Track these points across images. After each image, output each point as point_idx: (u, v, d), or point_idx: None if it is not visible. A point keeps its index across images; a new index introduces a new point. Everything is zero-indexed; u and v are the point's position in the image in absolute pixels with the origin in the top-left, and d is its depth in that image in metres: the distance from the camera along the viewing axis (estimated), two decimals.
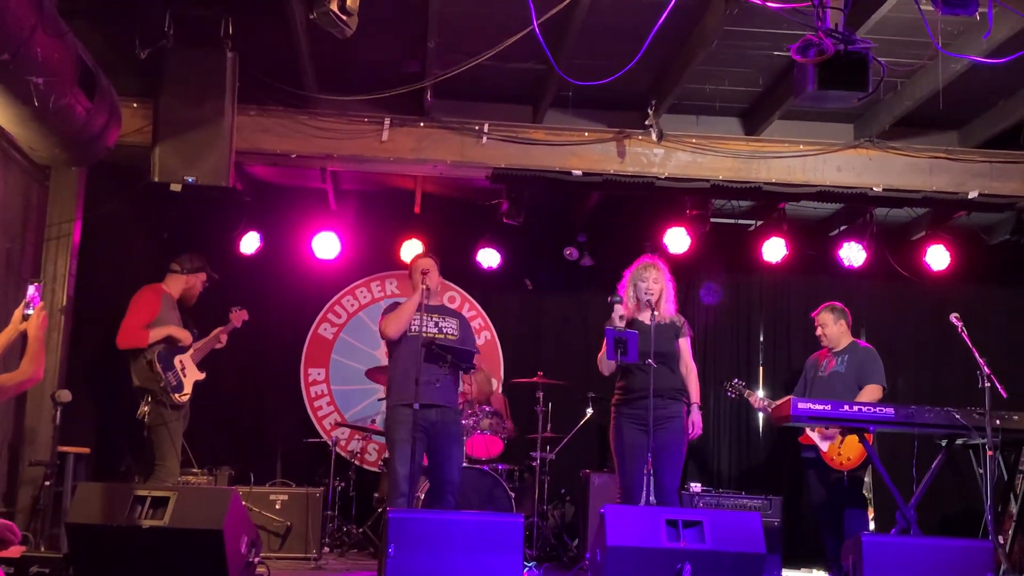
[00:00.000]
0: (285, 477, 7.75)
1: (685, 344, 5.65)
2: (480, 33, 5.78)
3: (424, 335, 5.51)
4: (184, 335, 6.36)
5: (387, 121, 6.74)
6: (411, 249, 7.92)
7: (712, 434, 8.66)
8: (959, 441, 5.93)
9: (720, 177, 7.03)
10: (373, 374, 7.78)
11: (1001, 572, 5.26)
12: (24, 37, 4.46)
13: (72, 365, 6.61)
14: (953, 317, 5.89)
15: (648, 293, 5.55)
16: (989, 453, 5.52)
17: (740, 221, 8.64)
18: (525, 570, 6.23)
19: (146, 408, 6.12)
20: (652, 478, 5.35)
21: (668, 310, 5.63)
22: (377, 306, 8.35)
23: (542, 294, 8.95)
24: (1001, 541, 6.65)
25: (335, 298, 8.81)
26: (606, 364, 5.53)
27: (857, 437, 5.96)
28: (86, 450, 6.64)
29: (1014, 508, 6.96)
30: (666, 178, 7.02)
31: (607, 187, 7.21)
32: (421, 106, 6.75)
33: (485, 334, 8.89)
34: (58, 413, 5.89)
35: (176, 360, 6.31)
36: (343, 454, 8.00)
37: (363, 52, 6.15)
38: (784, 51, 5.60)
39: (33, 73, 4.69)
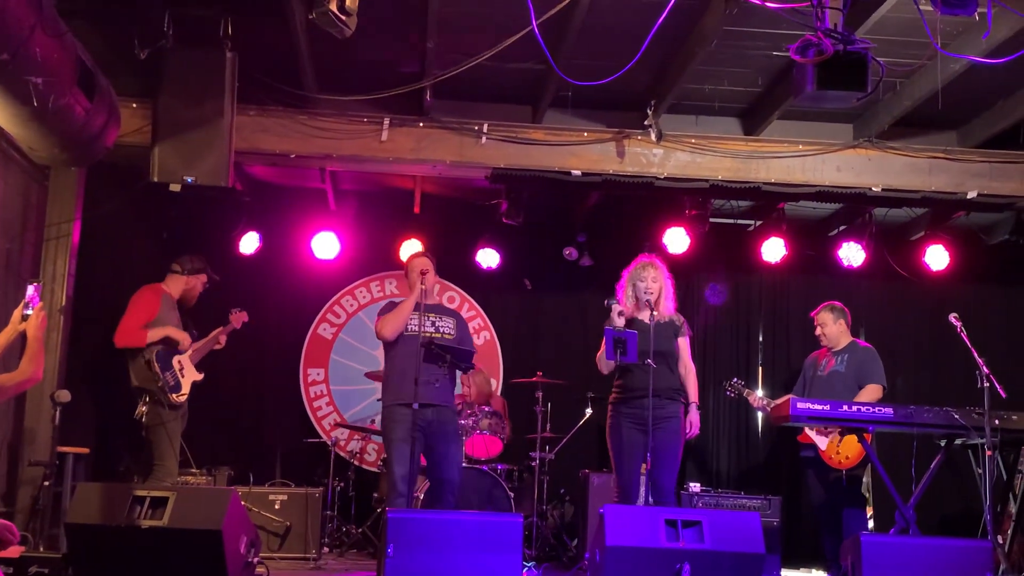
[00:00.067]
0: (284, 477, 7.75)
1: (684, 344, 5.66)
2: (479, 33, 5.78)
3: (422, 335, 5.51)
4: (182, 337, 6.36)
5: (386, 121, 6.74)
6: (410, 249, 7.91)
7: (711, 434, 8.66)
8: (958, 441, 5.94)
9: (719, 177, 7.03)
10: (374, 375, 7.78)
11: (1000, 572, 5.26)
12: (23, 37, 4.46)
13: (71, 365, 6.61)
14: (952, 317, 5.89)
15: (647, 292, 5.56)
16: (988, 453, 5.52)
17: (739, 221, 8.64)
18: (524, 570, 6.24)
19: (144, 408, 6.12)
20: (649, 478, 5.37)
21: (667, 309, 5.64)
22: (377, 306, 8.35)
23: (541, 294, 8.95)
24: (1000, 541, 6.65)
25: (334, 298, 8.81)
26: (605, 364, 5.54)
27: (856, 437, 5.96)
28: (85, 450, 6.64)
29: (1013, 508, 6.96)
30: (665, 178, 7.02)
31: (606, 187, 7.21)
32: (420, 106, 6.75)
33: (484, 334, 8.90)
34: (57, 413, 5.89)
35: (174, 360, 6.31)
36: (342, 454, 8.00)
37: (362, 52, 6.15)
38: (783, 51, 5.60)
39: (32, 73, 4.69)
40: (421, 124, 6.83)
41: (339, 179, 8.00)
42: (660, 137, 6.73)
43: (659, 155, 6.99)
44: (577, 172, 6.97)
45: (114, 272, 7.44)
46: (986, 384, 5.59)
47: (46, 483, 5.84)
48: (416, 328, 5.56)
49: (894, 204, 7.54)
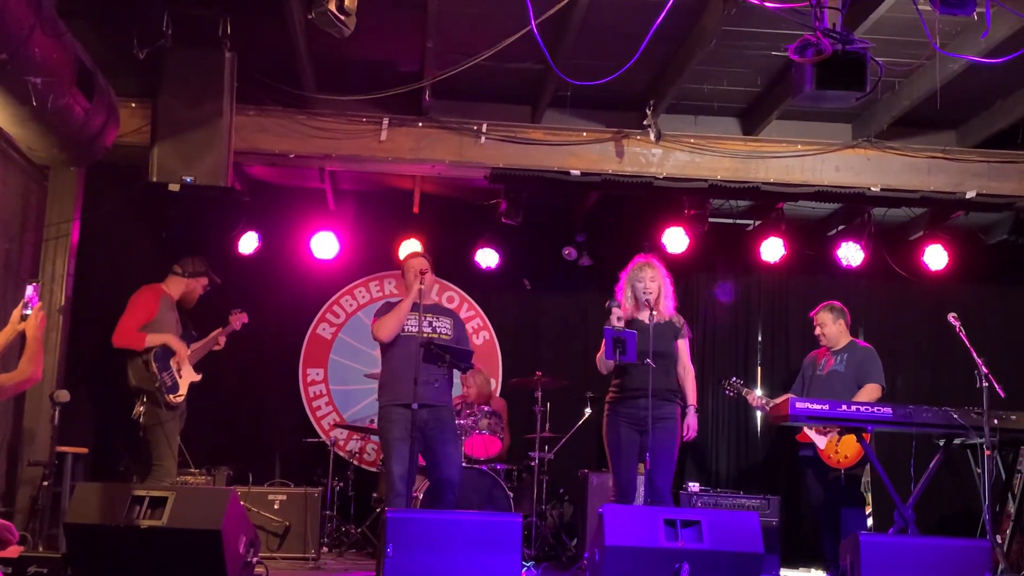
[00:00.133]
0: (283, 477, 7.74)
1: (684, 345, 5.66)
2: (478, 33, 5.78)
3: (421, 335, 5.50)
4: (179, 347, 6.34)
5: (385, 121, 6.74)
6: (409, 249, 7.90)
7: (710, 433, 8.66)
8: (957, 441, 5.94)
9: (718, 177, 7.04)
10: (373, 376, 7.77)
11: (999, 572, 5.27)
12: (23, 37, 4.46)
13: (71, 365, 6.61)
14: (951, 317, 5.89)
15: (646, 292, 5.56)
16: (987, 453, 5.52)
17: (738, 221, 8.64)
18: (523, 570, 6.24)
19: (141, 408, 6.12)
20: (645, 478, 5.37)
21: (667, 308, 5.64)
22: (376, 306, 8.35)
23: (540, 294, 8.95)
24: (999, 540, 6.66)
25: (334, 298, 8.81)
26: (604, 364, 5.54)
27: (855, 437, 5.96)
28: (84, 450, 6.64)
29: (1012, 508, 6.96)
30: (664, 178, 7.02)
31: (605, 187, 7.22)
32: (419, 106, 6.75)
33: (484, 334, 8.90)
34: (56, 413, 5.88)
35: (172, 361, 6.30)
36: (342, 454, 8.00)
37: (361, 52, 6.15)
38: (782, 51, 5.59)
39: (31, 73, 4.69)
40: (420, 124, 6.83)
41: (338, 179, 8.00)
42: (659, 137, 6.73)
43: (658, 155, 6.99)
44: (576, 172, 6.97)
45: (113, 272, 7.44)
46: (985, 384, 5.59)
47: (45, 483, 5.84)
48: (413, 329, 5.56)
49: (893, 204, 7.54)
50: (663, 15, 4.84)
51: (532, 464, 7.33)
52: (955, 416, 5.62)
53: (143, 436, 6.17)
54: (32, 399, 6.22)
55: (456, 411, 6.98)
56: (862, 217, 8.07)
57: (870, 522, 7.72)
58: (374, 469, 7.96)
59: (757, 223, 8.61)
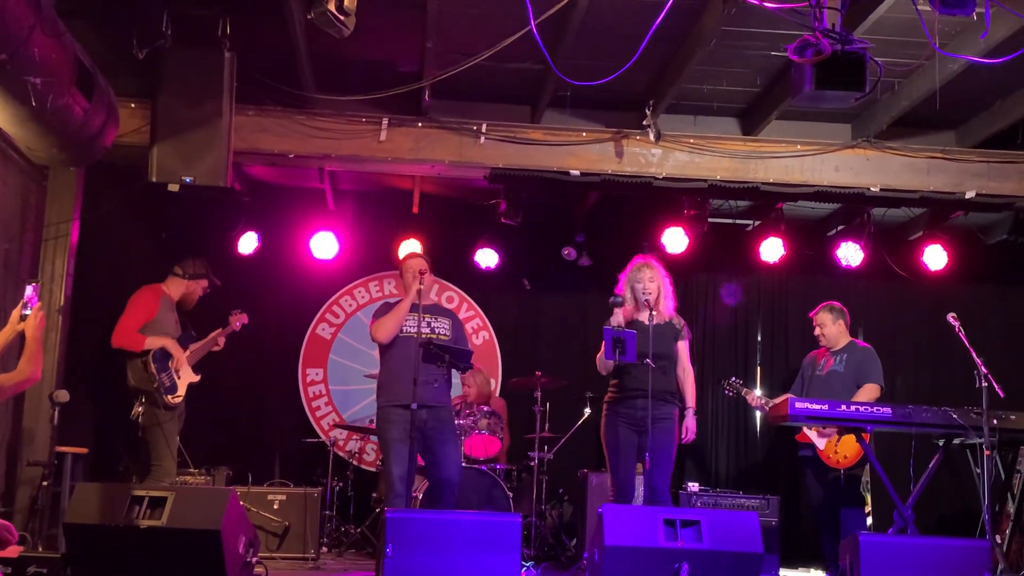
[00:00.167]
0: (283, 477, 7.74)
1: (684, 347, 5.66)
2: (478, 33, 5.78)
3: (420, 336, 5.50)
4: (177, 352, 6.33)
5: (385, 121, 6.75)
6: (408, 249, 7.91)
7: (710, 433, 8.67)
8: (956, 441, 5.94)
9: (718, 177, 7.04)
10: (373, 376, 7.77)
11: (998, 572, 5.27)
12: (22, 37, 4.46)
13: (70, 365, 6.61)
14: (950, 317, 5.89)
15: (646, 293, 5.56)
16: (987, 453, 5.52)
17: (738, 221, 8.64)
18: (523, 570, 6.24)
19: (140, 409, 6.12)
20: (643, 478, 5.37)
21: (667, 308, 5.64)
22: (375, 306, 8.36)
23: (540, 294, 8.95)
24: (998, 540, 6.66)
25: (333, 298, 8.82)
26: (604, 364, 5.54)
27: (854, 437, 5.96)
28: (84, 450, 6.64)
29: (1011, 507, 6.97)
30: (664, 178, 7.02)
31: (605, 187, 7.22)
32: (419, 106, 6.75)
33: (483, 334, 8.90)
34: (56, 413, 5.88)
35: (171, 362, 6.30)
36: (341, 454, 8.00)
37: (361, 52, 6.15)
38: (782, 51, 5.59)
39: (31, 73, 4.69)
40: (420, 124, 6.83)
41: (338, 179, 8.00)
42: (659, 137, 6.73)
43: (657, 155, 6.99)
44: (576, 172, 6.97)
45: (113, 272, 7.44)
46: (984, 384, 5.59)
47: (45, 483, 5.84)
48: (412, 329, 5.55)
49: (892, 204, 7.54)
50: (663, 15, 4.84)
51: (531, 464, 7.33)
52: (954, 416, 5.62)
53: (142, 436, 6.17)
54: (31, 399, 6.22)
55: (456, 411, 6.99)
56: (861, 217, 8.07)
57: (869, 521, 7.72)
58: (373, 469, 7.96)
59: (757, 223, 8.61)
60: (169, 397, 6.19)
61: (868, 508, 7.80)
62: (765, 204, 7.98)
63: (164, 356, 6.26)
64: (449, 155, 6.86)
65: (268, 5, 5.44)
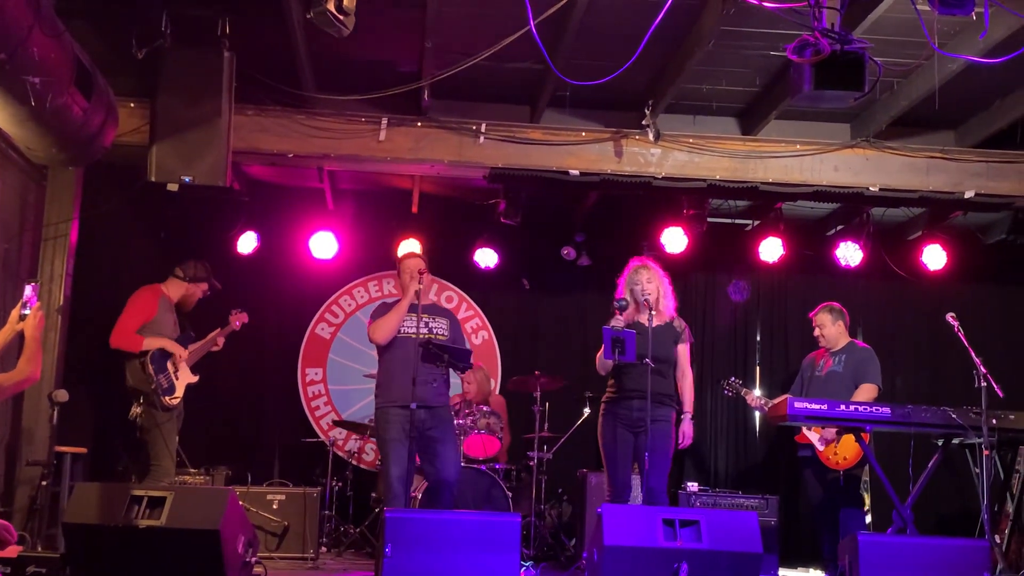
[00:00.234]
0: (282, 477, 7.74)
1: (684, 350, 5.65)
2: (477, 33, 5.78)
3: (418, 336, 5.49)
4: (177, 351, 6.33)
5: (384, 121, 6.75)
6: (406, 249, 7.90)
7: (709, 433, 8.67)
8: (956, 441, 5.94)
9: (717, 177, 7.04)
10: (372, 376, 7.77)
11: (998, 571, 5.27)
12: (21, 37, 4.46)
13: (69, 365, 6.61)
14: (949, 317, 5.89)
15: (645, 293, 5.56)
16: (985, 453, 5.52)
17: (737, 221, 8.65)
18: (522, 570, 6.24)
19: (138, 409, 6.12)
20: (640, 478, 5.36)
21: (668, 308, 5.65)
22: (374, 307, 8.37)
23: (539, 294, 8.95)
24: (997, 540, 6.66)
25: (332, 298, 8.82)
26: (603, 364, 5.54)
27: (853, 437, 5.96)
28: (83, 450, 6.64)
29: (1010, 507, 6.97)
30: (663, 178, 7.02)
31: (604, 187, 7.22)
32: (418, 106, 6.75)
33: (483, 334, 8.90)
34: (55, 413, 5.88)
35: (169, 363, 6.29)
36: (340, 454, 7.99)
37: (360, 52, 6.16)
38: (781, 51, 5.60)
39: (30, 73, 4.69)
40: (419, 124, 6.83)
41: (337, 179, 8.00)
42: (658, 137, 6.73)
43: (657, 155, 6.99)
44: (575, 172, 6.97)
45: (112, 272, 7.44)
46: (983, 383, 5.60)
47: (44, 483, 5.84)
48: (411, 330, 5.54)
49: (892, 204, 7.54)
50: (662, 15, 4.84)
51: (531, 464, 7.33)
52: (953, 416, 5.62)
53: (140, 437, 6.17)
54: (31, 399, 6.22)
55: (455, 411, 6.98)
56: (861, 217, 8.07)
57: (868, 519, 7.72)
58: (373, 469, 7.97)
59: (756, 223, 8.61)
60: (167, 398, 6.19)
61: (867, 508, 7.80)
62: (764, 204, 7.99)
63: (162, 357, 6.26)
64: (448, 155, 6.86)
65: (267, 5, 5.44)
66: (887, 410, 5.63)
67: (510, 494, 6.98)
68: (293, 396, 8.61)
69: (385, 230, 8.46)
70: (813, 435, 6.49)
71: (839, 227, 8.57)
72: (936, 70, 5.82)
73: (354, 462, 8.14)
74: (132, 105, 6.34)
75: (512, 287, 8.89)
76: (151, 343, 6.21)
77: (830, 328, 6.74)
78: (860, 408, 5.67)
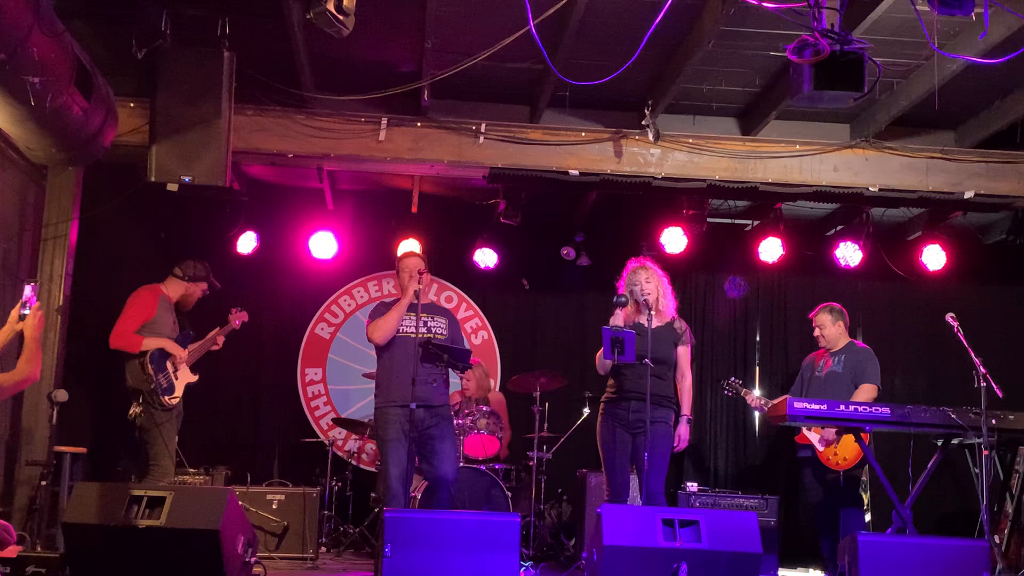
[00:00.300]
0: (282, 477, 7.74)
1: (685, 352, 5.64)
2: (477, 33, 5.78)
3: (417, 336, 5.49)
4: (177, 351, 6.33)
5: (384, 121, 6.75)
6: (405, 249, 7.89)
7: (709, 433, 8.67)
8: (955, 441, 5.93)
9: (717, 177, 7.04)
10: (371, 375, 7.77)
11: (997, 571, 5.27)
12: (21, 37, 4.46)
13: (69, 365, 6.60)
14: (949, 317, 5.89)
15: (644, 294, 5.56)
16: (985, 453, 5.52)
17: (737, 221, 8.65)
18: (522, 570, 6.23)
19: (138, 409, 6.11)
20: (638, 479, 5.36)
21: (667, 308, 5.64)
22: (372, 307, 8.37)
23: (539, 294, 8.95)
24: (997, 540, 6.66)
25: (332, 298, 8.82)
26: (603, 364, 5.54)
27: (853, 437, 5.96)
28: (83, 450, 6.63)
29: (1010, 507, 6.97)
30: (663, 178, 7.03)
31: (604, 187, 7.22)
32: (418, 106, 6.75)
33: (482, 334, 8.90)
34: (55, 413, 5.87)
35: (169, 362, 6.29)
36: (340, 454, 7.99)
37: (360, 52, 6.16)
38: (780, 51, 5.60)
39: (30, 72, 4.69)
40: (419, 124, 6.83)
41: (337, 179, 8.00)
42: (657, 137, 6.73)
43: (656, 155, 6.99)
44: (575, 172, 6.98)
45: (111, 272, 7.44)
46: (983, 384, 5.60)
47: (43, 483, 5.83)
48: (410, 330, 5.54)
49: (891, 204, 7.55)
50: (662, 15, 4.84)
51: (530, 464, 7.33)
52: (953, 416, 5.61)
53: (140, 437, 6.17)
54: (30, 399, 6.22)
55: (455, 410, 6.98)
56: (860, 217, 8.07)
57: (868, 518, 7.72)
58: (372, 469, 7.97)
59: (755, 223, 8.61)
60: (166, 398, 6.18)
61: (867, 508, 7.80)
62: (764, 204, 7.99)
63: (161, 357, 6.25)
64: (448, 155, 6.86)
65: (267, 5, 5.44)
66: (887, 410, 5.63)
67: (510, 494, 6.98)
68: (293, 396, 8.61)
69: (385, 230, 8.46)
70: (813, 435, 6.49)
71: (839, 227, 8.57)
72: (936, 70, 5.82)
73: (353, 462, 8.14)
74: (132, 105, 6.34)
75: (512, 287, 8.89)
76: (150, 343, 6.21)
77: (830, 328, 6.74)
78: (860, 408, 5.67)
